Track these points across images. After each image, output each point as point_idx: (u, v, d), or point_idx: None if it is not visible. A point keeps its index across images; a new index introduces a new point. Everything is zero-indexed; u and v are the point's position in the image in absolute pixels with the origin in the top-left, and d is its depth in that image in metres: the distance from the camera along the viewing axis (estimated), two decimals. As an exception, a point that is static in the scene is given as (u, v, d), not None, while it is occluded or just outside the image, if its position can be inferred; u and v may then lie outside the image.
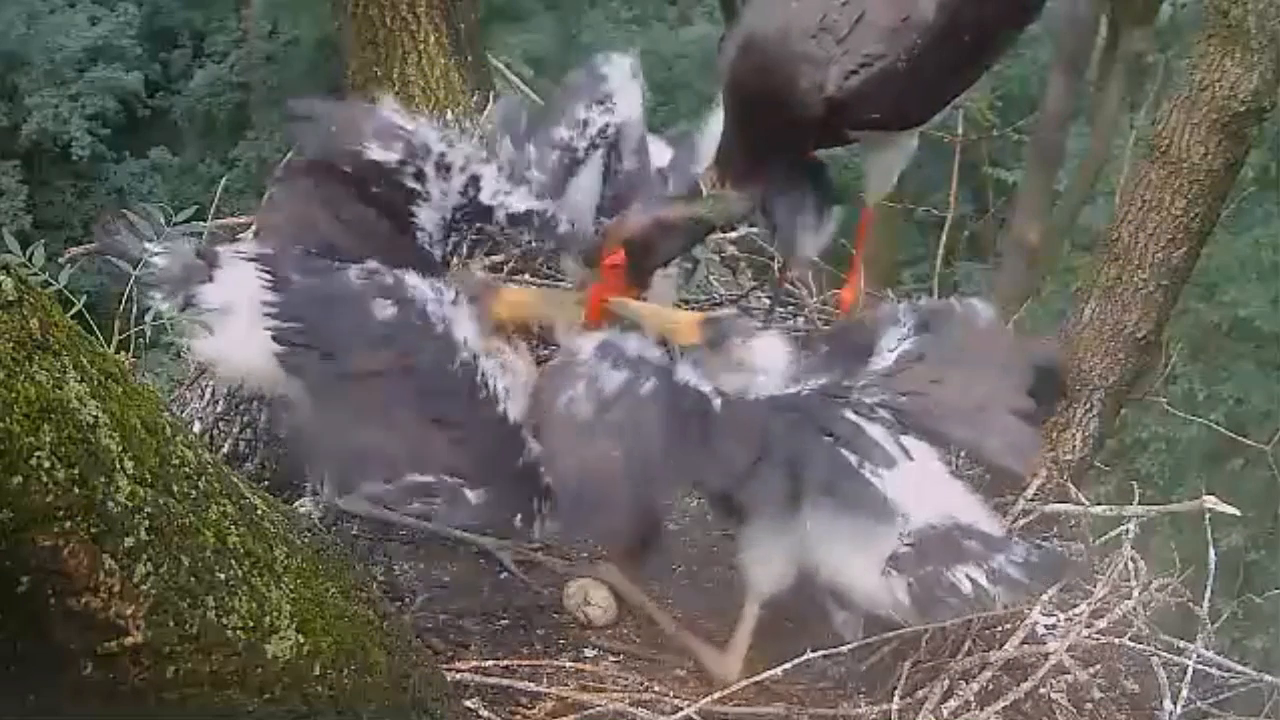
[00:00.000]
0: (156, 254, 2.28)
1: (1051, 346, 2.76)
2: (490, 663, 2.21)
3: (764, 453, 2.03)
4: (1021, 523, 2.56)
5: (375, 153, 2.50)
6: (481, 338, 2.25)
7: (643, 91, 2.82)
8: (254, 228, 3.05)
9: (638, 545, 2.34)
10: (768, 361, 2.23)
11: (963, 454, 2.39)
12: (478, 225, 2.59)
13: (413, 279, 2.26)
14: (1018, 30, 2.48)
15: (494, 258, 3.18)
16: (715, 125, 2.57)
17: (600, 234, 2.50)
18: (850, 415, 2.10)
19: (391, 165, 2.50)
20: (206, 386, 2.84)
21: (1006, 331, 2.47)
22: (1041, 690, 2.24)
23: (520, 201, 2.55)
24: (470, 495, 2.09)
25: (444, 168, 2.51)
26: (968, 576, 1.97)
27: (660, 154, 2.83)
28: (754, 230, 3.40)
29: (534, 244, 2.94)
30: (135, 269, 2.24)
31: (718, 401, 2.11)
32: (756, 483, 2.04)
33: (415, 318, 2.20)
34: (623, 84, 2.78)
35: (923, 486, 2.07)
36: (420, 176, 2.49)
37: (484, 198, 2.54)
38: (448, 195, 2.52)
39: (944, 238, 5.04)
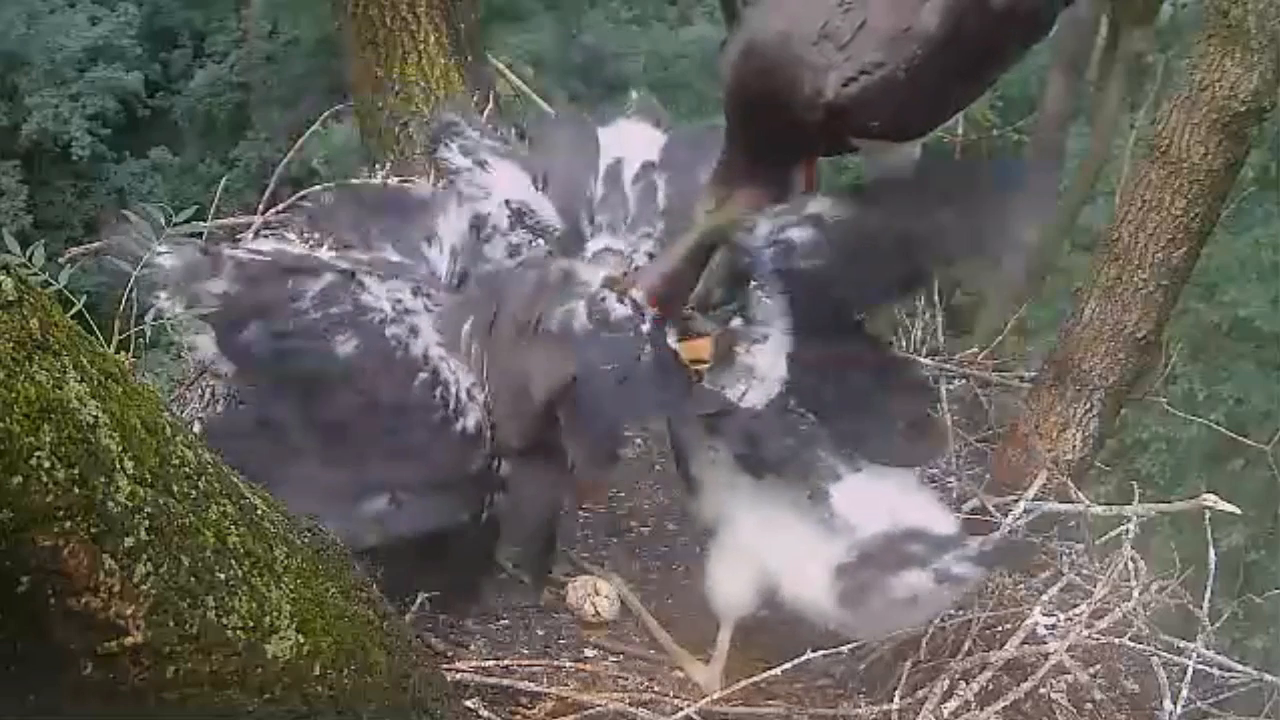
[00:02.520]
0: (161, 254, 2.29)
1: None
2: (490, 663, 2.21)
3: (723, 426, 2.08)
4: (1022, 522, 2.56)
5: (444, 152, 2.62)
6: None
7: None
8: (257, 223, 3.05)
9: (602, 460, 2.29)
10: (768, 365, 2.25)
11: None
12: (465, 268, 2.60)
13: (373, 291, 2.24)
14: (1028, 44, 2.46)
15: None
16: None
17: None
18: (799, 429, 2.12)
19: (454, 166, 2.60)
20: (206, 386, 2.84)
21: (863, 225, 2.39)
22: (1041, 690, 2.24)
23: (520, 240, 2.58)
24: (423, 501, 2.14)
25: (466, 198, 2.56)
26: (912, 582, 1.97)
27: (640, 142, 2.79)
28: None
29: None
30: (137, 269, 2.26)
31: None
32: (717, 442, 2.12)
33: (375, 343, 2.19)
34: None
35: (870, 496, 2.08)
36: (461, 182, 2.57)
37: (486, 249, 2.56)
38: (460, 221, 2.56)
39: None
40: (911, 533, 2.03)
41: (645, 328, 2.14)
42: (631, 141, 2.77)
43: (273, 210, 3.06)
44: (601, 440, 2.12)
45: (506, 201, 2.58)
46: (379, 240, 2.45)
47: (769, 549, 2.12)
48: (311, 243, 2.48)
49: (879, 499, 2.08)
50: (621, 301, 2.17)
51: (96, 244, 2.53)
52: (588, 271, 2.24)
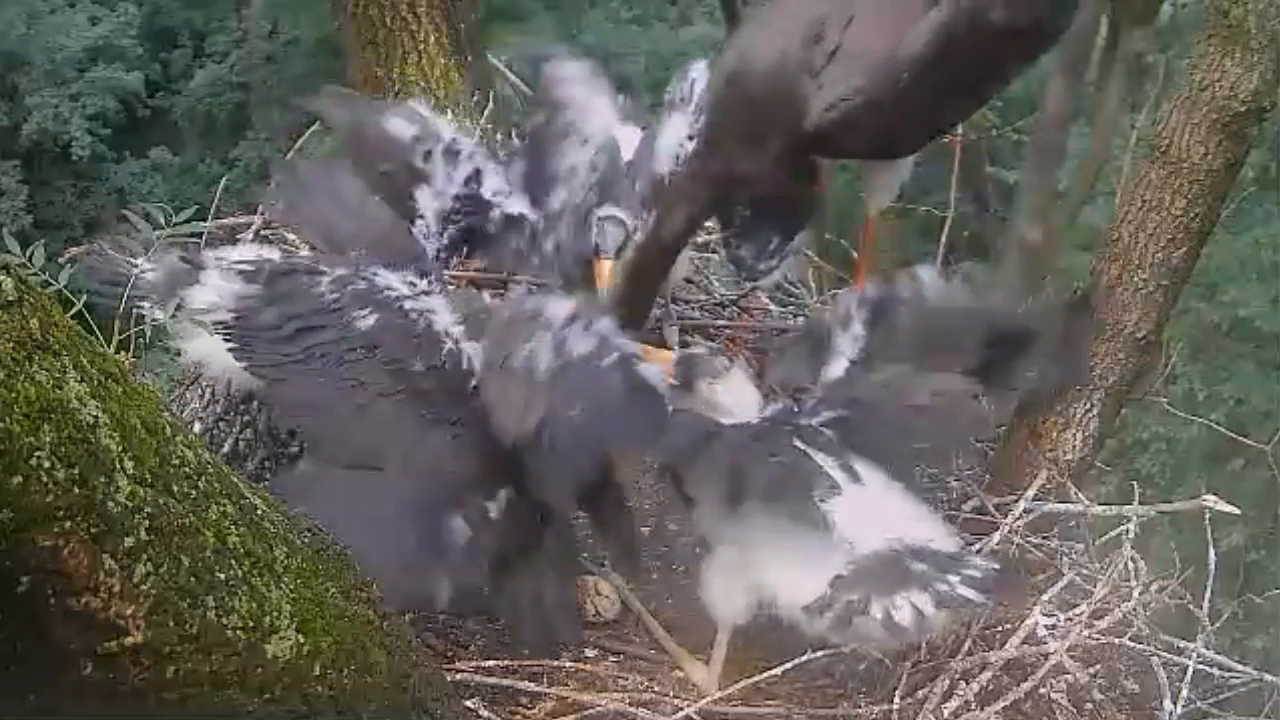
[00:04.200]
0: (144, 271, 2.30)
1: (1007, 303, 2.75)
2: (490, 663, 2.21)
3: (704, 451, 2.07)
4: (1022, 523, 2.56)
5: (393, 125, 2.60)
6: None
7: (605, 85, 2.84)
8: (257, 223, 3.06)
9: (599, 507, 2.34)
10: (735, 401, 2.26)
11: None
12: (472, 220, 2.61)
13: (385, 276, 2.27)
14: (1032, 57, 2.43)
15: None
16: (669, 135, 2.62)
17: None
18: (798, 444, 2.11)
19: (405, 141, 2.59)
20: (206, 386, 2.84)
21: (958, 296, 2.45)
22: (1041, 690, 2.24)
23: (516, 205, 2.59)
24: (492, 509, 2.14)
25: (452, 154, 2.57)
26: (910, 603, 1.93)
27: (627, 144, 2.83)
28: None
29: (519, 251, 2.96)
30: (130, 279, 2.27)
31: (670, 407, 2.19)
32: (698, 474, 2.12)
33: (396, 319, 2.20)
34: (586, 98, 2.78)
35: (872, 511, 2.06)
36: (428, 157, 2.56)
37: (485, 192, 2.58)
38: (451, 182, 2.57)
39: (944, 238, 5.02)
40: (913, 550, 2.01)
41: (611, 360, 2.12)
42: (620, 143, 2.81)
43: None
44: (569, 480, 2.12)
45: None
46: (356, 242, 2.43)
47: (765, 564, 2.10)
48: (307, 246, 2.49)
49: (880, 514, 2.06)
50: (587, 334, 2.14)
51: (92, 245, 2.53)
52: (554, 306, 2.21)
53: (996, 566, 2.05)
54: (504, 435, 2.07)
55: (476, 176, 2.60)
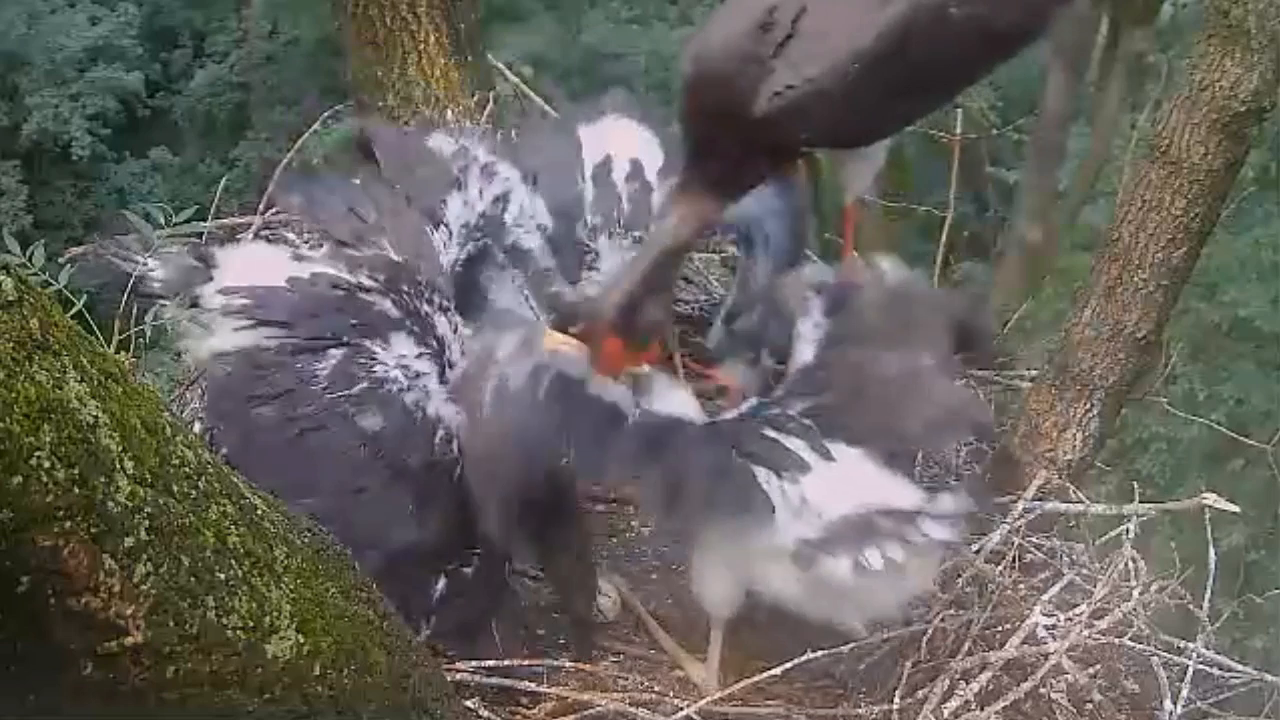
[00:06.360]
0: (153, 268, 2.28)
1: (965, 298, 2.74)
2: (490, 663, 2.21)
3: (649, 455, 2.07)
4: (1022, 523, 2.56)
5: (434, 141, 2.62)
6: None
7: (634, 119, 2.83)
8: (257, 223, 3.05)
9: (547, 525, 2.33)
10: (673, 407, 2.27)
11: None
12: (488, 242, 2.59)
13: (381, 355, 2.23)
14: (1002, 57, 2.42)
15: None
16: None
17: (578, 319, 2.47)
18: (767, 432, 2.11)
19: (445, 154, 2.59)
20: (207, 387, 2.83)
21: (920, 286, 2.45)
22: (1041, 690, 2.24)
23: (529, 240, 2.59)
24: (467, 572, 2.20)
25: (488, 174, 2.57)
26: (882, 553, 1.95)
27: (627, 139, 2.81)
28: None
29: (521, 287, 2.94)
30: (133, 271, 2.25)
31: (635, 413, 2.17)
32: (639, 483, 2.14)
33: (398, 418, 2.19)
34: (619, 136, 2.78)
35: (843, 484, 2.06)
36: (465, 170, 2.55)
37: (507, 218, 2.57)
38: (481, 198, 2.56)
39: (944, 238, 5.02)
40: (881, 511, 2.01)
41: (546, 385, 2.13)
42: (618, 139, 2.79)
43: (272, 210, 3.06)
44: (505, 502, 2.14)
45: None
46: (374, 234, 2.41)
47: (744, 548, 2.11)
48: (310, 243, 2.47)
49: (851, 486, 2.06)
50: (523, 361, 2.15)
51: (92, 245, 2.51)
52: (504, 344, 2.21)
53: (970, 502, 2.06)
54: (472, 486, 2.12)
55: (505, 198, 2.59)
